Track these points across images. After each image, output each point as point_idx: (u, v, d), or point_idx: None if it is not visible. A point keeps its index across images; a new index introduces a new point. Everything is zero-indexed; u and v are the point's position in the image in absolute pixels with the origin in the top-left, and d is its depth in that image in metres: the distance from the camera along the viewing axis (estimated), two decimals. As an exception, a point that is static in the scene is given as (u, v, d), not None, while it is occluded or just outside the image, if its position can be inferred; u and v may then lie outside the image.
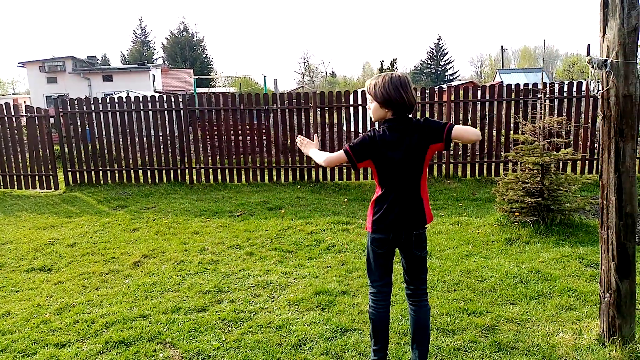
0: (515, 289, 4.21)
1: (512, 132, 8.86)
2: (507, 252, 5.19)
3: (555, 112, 8.63)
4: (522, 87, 8.91)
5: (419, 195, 2.79)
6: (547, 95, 8.17)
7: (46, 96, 34.90)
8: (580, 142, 8.88)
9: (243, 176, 9.68)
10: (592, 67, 3.01)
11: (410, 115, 2.76)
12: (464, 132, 2.63)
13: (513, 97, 8.92)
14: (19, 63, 37.75)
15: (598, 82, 3.08)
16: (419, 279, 2.91)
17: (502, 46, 53.18)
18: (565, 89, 8.78)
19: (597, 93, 3.10)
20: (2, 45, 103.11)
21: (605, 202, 3.16)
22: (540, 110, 6.60)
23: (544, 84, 7.04)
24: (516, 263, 4.82)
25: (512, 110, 8.91)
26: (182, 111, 9.53)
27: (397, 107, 2.68)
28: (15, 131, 9.61)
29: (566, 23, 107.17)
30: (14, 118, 9.56)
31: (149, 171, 9.71)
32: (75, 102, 9.61)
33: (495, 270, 4.63)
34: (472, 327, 3.56)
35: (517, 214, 5.98)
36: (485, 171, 9.20)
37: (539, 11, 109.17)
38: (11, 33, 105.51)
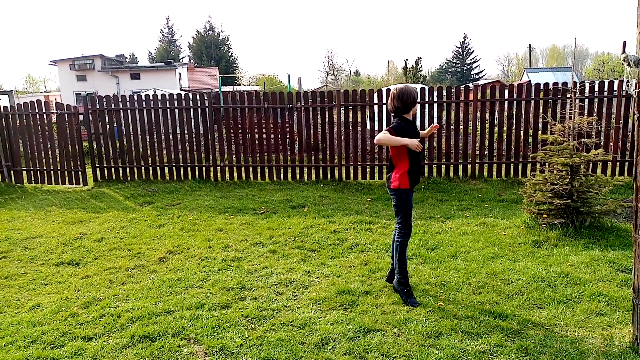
0: (542, 292, 4.12)
1: (540, 132, 8.68)
2: (535, 255, 5.08)
3: (586, 112, 8.41)
4: (551, 86, 8.71)
5: (390, 168, 4.19)
6: (577, 95, 7.97)
7: (76, 94, 35.67)
8: (611, 143, 8.63)
9: (267, 174, 9.73)
10: (628, 64, 2.91)
11: (405, 115, 4.07)
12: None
13: (541, 96, 8.73)
14: (50, 61, 38.79)
15: (634, 80, 2.98)
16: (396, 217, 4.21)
17: (529, 45, 52.27)
18: (596, 88, 8.55)
19: (632, 91, 2.99)
20: (36, 44, 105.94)
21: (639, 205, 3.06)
22: (570, 110, 6.44)
23: (574, 83, 6.87)
24: (544, 266, 4.71)
25: (541, 110, 8.72)
26: (207, 109, 9.62)
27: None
28: (46, 128, 9.85)
29: (596, 21, 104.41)
30: (45, 115, 9.81)
31: (174, 168, 9.83)
32: (104, 99, 9.79)
33: (522, 273, 4.54)
34: (498, 330, 3.50)
35: (545, 216, 5.85)
36: (512, 172, 9.03)
37: (568, 9, 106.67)
38: (44, 32, 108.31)
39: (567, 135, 6.08)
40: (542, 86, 8.76)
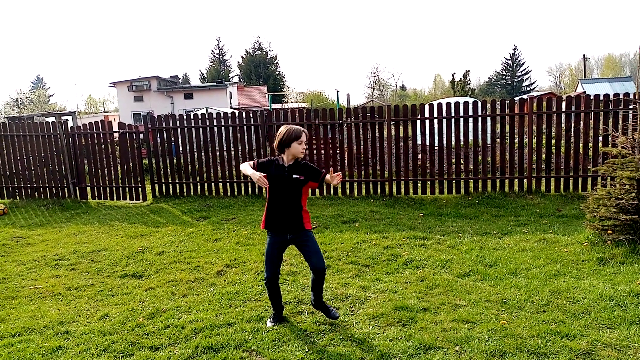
0: (612, 312, 3.94)
1: (600, 144, 8.35)
2: (600, 273, 4.87)
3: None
4: (611, 97, 8.38)
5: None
6: (642, 106, 7.63)
7: (133, 113, 37.44)
8: (680, 156, 8.17)
9: (317, 189, 9.81)
10: None
11: (283, 155, 3.95)
12: None
13: (602, 107, 8.41)
14: (110, 83, 41.16)
15: None
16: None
17: (584, 55, 50.31)
18: (662, 98, 8.15)
19: None
20: (96, 67, 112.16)
21: None
22: (634, 121, 6.18)
23: (638, 94, 6.59)
24: (611, 284, 4.51)
25: (601, 122, 8.39)
26: (259, 126, 9.86)
27: None
28: (109, 146, 10.38)
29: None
30: (107, 134, 10.34)
31: (228, 184, 10.10)
32: (162, 118, 10.23)
33: (587, 292, 4.36)
34: (566, 350, 3.37)
35: (610, 232, 5.61)
36: (571, 186, 8.70)
37: (625, 16, 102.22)
38: (104, 56, 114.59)
39: (631, 148, 5.83)
40: (601, 97, 8.44)
